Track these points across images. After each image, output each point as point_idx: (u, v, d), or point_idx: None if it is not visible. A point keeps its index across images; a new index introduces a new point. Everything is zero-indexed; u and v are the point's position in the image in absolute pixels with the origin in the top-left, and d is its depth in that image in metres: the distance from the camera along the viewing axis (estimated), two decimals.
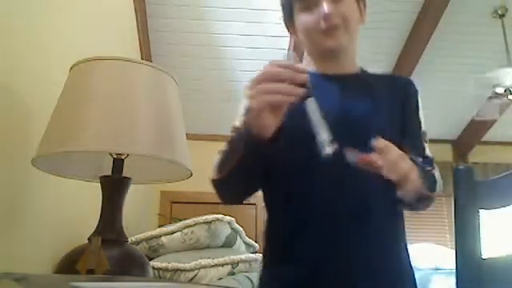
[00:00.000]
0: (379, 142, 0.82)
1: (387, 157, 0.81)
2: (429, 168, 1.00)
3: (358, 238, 0.93)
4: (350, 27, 1.02)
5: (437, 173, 1.03)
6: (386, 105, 1.03)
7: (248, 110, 0.80)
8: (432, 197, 0.98)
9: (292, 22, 1.08)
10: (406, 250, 1.02)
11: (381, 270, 0.94)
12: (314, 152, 0.78)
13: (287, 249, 0.97)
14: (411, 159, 0.88)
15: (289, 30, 1.12)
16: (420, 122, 1.09)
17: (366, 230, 0.94)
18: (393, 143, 0.89)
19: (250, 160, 0.86)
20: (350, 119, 0.97)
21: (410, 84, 1.11)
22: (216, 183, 0.96)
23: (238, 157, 0.86)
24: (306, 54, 1.11)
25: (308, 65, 1.09)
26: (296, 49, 3.37)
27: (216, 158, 0.95)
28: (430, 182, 0.97)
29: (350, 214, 0.93)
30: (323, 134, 0.74)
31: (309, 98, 0.76)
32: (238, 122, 0.99)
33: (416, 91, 1.11)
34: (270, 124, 0.77)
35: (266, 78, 0.76)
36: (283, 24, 1.13)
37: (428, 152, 1.05)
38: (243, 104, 1.00)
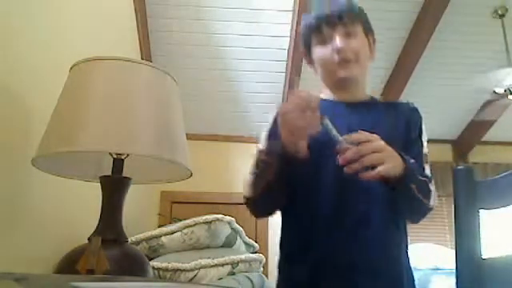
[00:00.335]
0: (359, 134, 0.93)
1: (371, 145, 0.92)
2: (424, 178, 1.06)
3: (361, 242, 1.04)
4: (360, 60, 1.14)
5: (432, 187, 1.08)
6: (391, 130, 1.13)
7: (280, 136, 0.95)
8: (426, 204, 1.04)
9: (310, 53, 1.22)
10: (407, 253, 1.12)
11: (382, 272, 1.03)
12: (320, 167, 1.01)
13: (297, 252, 1.09)
14: (403, 157, 0.98)
15: (307, 60, 1.26)
16: (422, 145, 1.17)
17: (369, 234, 1.04)
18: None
19: (279, 182, 1.00)
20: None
21: (415, 111, 1.21)
22: (248, 202, 1.08)
23: (267, 180, 1.00)
24: (322, 83, 1.24)
25: (324, 93, 1.22)
26: (296, 50, 3.38)
27: (246, 178, 1.06)
28: (423, 186, 1.03)
29: (353, 221, 1.05)
30: (342, 142, 0.90)
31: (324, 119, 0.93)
32: (262, 146, 1.11)
33: (420, 117, 1.20)
34: (303, 145, 0.93)
35: (291, 108, 0.91)
36: (303, 57, 1.27)
37: (428, 172, 1.12)
38: (267, 129, 1.15)
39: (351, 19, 1.14)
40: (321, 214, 1.06)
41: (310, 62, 1.23)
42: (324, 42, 1.15)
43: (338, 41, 1.12)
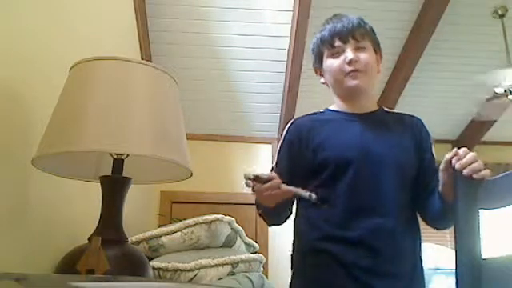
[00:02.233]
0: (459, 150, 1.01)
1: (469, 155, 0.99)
2: None
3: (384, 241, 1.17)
4: (369, 72, 1.25)
5: None
6: (402, 140, 1.26)
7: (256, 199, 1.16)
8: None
9: (320, 65, 1.32)
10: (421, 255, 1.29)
11: (400, 273, 1.17)
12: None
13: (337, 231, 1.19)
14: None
15: (316, 72, 1.36)
16: (434, 160, 1.27)
17: (390, 234, 1.17)
18: (409, 176, 1.22)
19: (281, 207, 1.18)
20: (371, 152, 1.20)
21: (423, 125, 1.32)
22: (260, 215, 1.26)
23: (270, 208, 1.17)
24: (333, 95, 1.34)
25: (335, 103, 1.33)
26: (296, 49, 3.37)
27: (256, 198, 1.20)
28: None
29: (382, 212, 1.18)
30: (303, 192, 1.08)
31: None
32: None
33: (429, 135, 1.31)
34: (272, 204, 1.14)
35: (261, 192, 1.08)
36: (313, 67, 1.37)
37: None
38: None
39: (362, 35, 1.25)
40: (360, 199, 1.18)
41: (321, 73, 1.33)
42: (336, 54, 1.25)
43: (349, 52, 1.23)
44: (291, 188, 1.07)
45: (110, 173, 1.28)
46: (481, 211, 0.90)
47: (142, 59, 3.20)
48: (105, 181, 1.28)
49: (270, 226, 1.33)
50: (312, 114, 1.35)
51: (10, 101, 1.25)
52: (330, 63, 1.27)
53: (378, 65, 1.31)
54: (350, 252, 1.15)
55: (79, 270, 1.12)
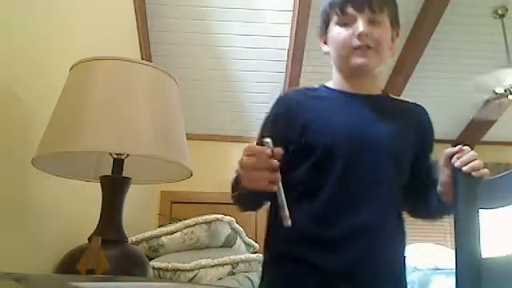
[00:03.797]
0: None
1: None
2: None
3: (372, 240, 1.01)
4: (380, 51, 1.06)
5: None
6: (402, 130, 1.09)
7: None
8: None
9: (326, 31, 1.12)
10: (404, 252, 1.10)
11: (387, 271, 1.02)
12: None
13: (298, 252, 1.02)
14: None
15: (321, 39, 1.16)
16: (432, 159, 1.16)
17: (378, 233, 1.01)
18: (404, 171, 1.07)
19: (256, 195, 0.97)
20: (366, 140, 1.04)
21: (426, 114, 1.18)
22: (233, 199, 1.08)
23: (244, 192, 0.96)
24: (333, 68, 1.15)
25: (333, 79, 1.15)
26: (296, 49, 3.38)
27: (231, 178, 1.05)
28: None
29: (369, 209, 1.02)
30: (284, 212, 0.86)
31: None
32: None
33: (432, 127, 1.18)
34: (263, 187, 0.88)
35: (247, 166, 0.88)
36: (319, 33, 1.17)
37: None
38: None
39: (380, 6, 1.06)
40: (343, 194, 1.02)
41: (325, 40, 1.14)
42: (345, 23, 1.06)
43: (361, 24, 1.03)
44: (280, 191, 0.87)
45: (110, 173, 1.28)
46: (481, 211, 0.90)
47: (142, 59, 3.20)
48: (105, 181, 1.28)
49: (243, 211, 1.12)
50: (305, 88, 1.16)
51: (10, 101, 1.25)
52: (337, 33, 1.07)
53: (393, 43, 1.12)
54: (329, 257, 0.97)
55: (79, 270, 1.12)
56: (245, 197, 1.00)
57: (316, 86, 1.16)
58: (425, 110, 1.19)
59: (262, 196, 1.03)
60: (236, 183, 1.00)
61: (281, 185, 0.87)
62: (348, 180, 1.01)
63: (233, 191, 1.04)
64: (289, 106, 1.09)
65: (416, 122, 1.14)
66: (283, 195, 0.87)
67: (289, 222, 0.85)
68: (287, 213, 0.85)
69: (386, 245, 1.01)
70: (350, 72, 1.10)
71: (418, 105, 1.19)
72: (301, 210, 1.00)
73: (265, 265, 1.10)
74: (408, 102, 1.20)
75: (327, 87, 1.15)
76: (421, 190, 1.10)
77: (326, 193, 1.01)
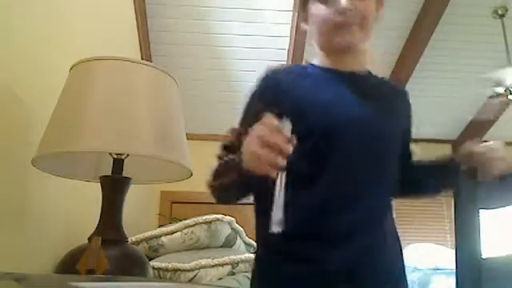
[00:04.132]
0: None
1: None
2: None
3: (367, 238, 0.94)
4: (366, 25, 0.98)
5: None
6: (394, 110, 1.05)
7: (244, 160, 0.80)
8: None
9: (306, 7, 1.03)
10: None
11: (387, 271, 0.97)
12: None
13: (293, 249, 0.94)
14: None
15: (302, 17, 1.07)
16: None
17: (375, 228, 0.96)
18: (397, 146, 1.02)
19: (245, 183, 0.90)
20: (363, 119, 0.96)
21: (408, 96, 1.13)
22: (211, 188, 0.95)
23: (232, 178, 0.88)
24: (315, 46, 1.06)
25: (317, 58, 1.06)
26: (296, 49, 3.38)
27: (213, 164, 0.95)
28: None
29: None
30: (278, 213, 0.73)
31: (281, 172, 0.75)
32: (231, 132, 0.98)
33: (411, 106, 1.14)
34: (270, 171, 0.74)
35: (257, 139, 0.74)
36: (299, 11, 1.09)
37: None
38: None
39: None
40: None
41: (305, 18, 1.05)
42: None
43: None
44: (282, 184, 0.75)
45: (110, 173, 1.28)
46: (481, 211, 0.90)
47: (142, 59, 3.20)
48: (105, 181, 1.28)
49: (219, 202, 0.98)
50: (292, 65, 1.11)
51: (10, 101, 1.25)
52: (317, 9, 0.98)
53: (379, 12, 1.02)
54: (329, 256, 0.89)
55: (79, 270, 1.12)
56: (230, 185, 0.89)
57: (304, 64, 1.08)
58: (405, 90, 1.14)
59: (251, 187, 0.92)
60: (219, 171, 0.92)
61: (284, 176, 0.75)
62: (349, 168, 0.92)
63: (213, 180, 0.93)
64: (278, 82, 0.99)
65: (402, 102, 1.10)
66: (283, 191, 0.74)
67: (279, 228, 0.72)
68: (281, 215, 0.73)
69: (386, 244, 0.95)
70: (331, 50, 1.02)
71: (397, 83, 1.15)
72: (297, 202, 0.88)
73: (258, 261, 1.00)
74: (388, 80, 1.14)
75: (314, 65, 1.06)
76: (405, 167, 1.05)
77: (325, 183, 0.91)
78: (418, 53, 3.53)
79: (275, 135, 0.72)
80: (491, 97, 3.24)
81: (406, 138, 1.10)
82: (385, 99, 1.03)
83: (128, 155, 1.30)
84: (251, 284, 1.02)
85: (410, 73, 3.68)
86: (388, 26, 3.31)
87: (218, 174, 0.93)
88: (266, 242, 0.98)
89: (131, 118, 1.18)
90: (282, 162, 0.72)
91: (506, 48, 3.29)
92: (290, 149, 0.72)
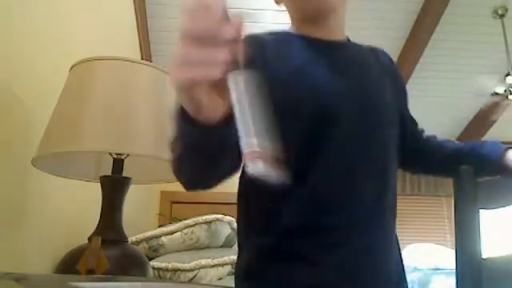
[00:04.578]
0: None
1: None
2: None
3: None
4: None
5: None
6: (383, 78, 0.93)
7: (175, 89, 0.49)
8: None
9: None
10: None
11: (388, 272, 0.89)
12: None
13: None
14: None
15: None
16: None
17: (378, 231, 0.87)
18: (394, 117, 0.90)
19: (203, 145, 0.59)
20: (358, 90, 0.85)
21: (392, 60, 1.03)
22: (172, 155, 0.68)
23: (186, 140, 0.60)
24: (290, 17, 0.95)
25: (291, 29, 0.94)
26: None
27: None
28: None
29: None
30: (251, 136, 0.45)
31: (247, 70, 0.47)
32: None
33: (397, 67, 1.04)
34: (212, 106, 0.50)
35: (191, 36, 0.45)
36: None
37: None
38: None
39: None
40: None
41: None
42: None
43: None
44: (240, 90, 0.46)
45: (110, 173, 1.28)
46: (481, 211, 0.90)
47: (142, 59, 3.20)
48: (105, 181, 1.28)
49: (188, 187, 0.73)
50: (274, 31, 0.93)
51: (10, 101, 1.25)
52: None
53: None
54: (329, 254, 0.80)
55: (79, 270, 1.12)
56: (184, 135, 0.58)
57: (284, 30, 0.95)
58: (386, 53, 1.02)
59: (214, 134, 0.55)
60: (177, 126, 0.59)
61: (242, 80, 0.46)
62: (346, 161, 0.80)
63: (172, 152, 0.67)
64: (262, 46, 0.84)
65: (390, 70, 0.98)
66: (247, 103, 0.46)
67: (259, 166, 0.44)
68: (254, 141, 0.45)
69: (386, 244, 0.88)
70: (309, 17, 0.90)
71: (384, 51, 1.01)
72: (288, 201, 0.78)
73: (249, 263, 0.85)
74: (375, 48, 1.00)
75: (295, 33, 0.92)
76: (418, 146, 1.00)
77: (323, 170, 0.79)
78: (418, 53, 3.53)
79: (208, 22, 0.46)
80: (490, 97, 3.24)
81: (407, 114, 1.01)
82: (370, 66, 0.92)
83: (128, 155, 1.30)
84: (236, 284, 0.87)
85: (410, 73, 3.69)
86: (388, 26, 3.31)
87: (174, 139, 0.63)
88: (257, 243, 0.84)
89: (131, 118, 1.18)
90: (225, 55, 0.44)
91: (506, 48, 3.29)
92: (231, 33, 0.46)
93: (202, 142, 0.57)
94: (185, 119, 0.53)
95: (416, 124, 1.05)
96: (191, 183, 0.73)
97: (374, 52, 0.99)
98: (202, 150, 0.60)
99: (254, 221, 0.86)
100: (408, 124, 1.00)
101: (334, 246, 0.81)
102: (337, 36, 0.92)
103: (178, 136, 0.60)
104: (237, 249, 0.90)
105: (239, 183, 0.90)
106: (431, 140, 1.05)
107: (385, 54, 1.01)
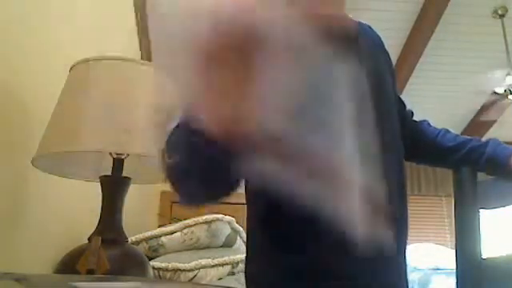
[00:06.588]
0: None
1: None
2: None
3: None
4: None
5: None
6: (383, 63, 0.88)
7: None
8: None
9: None
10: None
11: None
12: None
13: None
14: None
15: None
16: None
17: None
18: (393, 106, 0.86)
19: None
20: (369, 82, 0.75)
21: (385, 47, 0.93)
22: (171, 173, 0.58)
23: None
24: None
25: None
26: None
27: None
28: None
29: None
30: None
31: None
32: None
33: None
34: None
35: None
36: None
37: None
38: None
39: None
40: None
41: None
42: None
43: None
44: None
45: (110, 173, 1.28)
46: (481, 211, 0.90)
47: (142, 59, 3.20)
48: (105, 181, 1.28)
49: (187, 201, 0.63)
50: None
51: (10, 101, 1.25)
52: None
53: None
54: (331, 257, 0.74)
55: (79, 270, 1.12)
56: (196, 147, 0.49)
57: None
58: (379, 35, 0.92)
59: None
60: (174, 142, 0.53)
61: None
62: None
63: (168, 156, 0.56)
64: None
65: (384, 50, 0.91)
66: None
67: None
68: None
69: (399, 256, 0.81)
70: None
71: (370, 27, 0.92)
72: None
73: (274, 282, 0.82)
74: (362, 23, 0.90)
75: None
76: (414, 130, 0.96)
77: None
78: (418, 53, 3.53)
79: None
80: (490, 97, 3.24)
81: (396, 89, 0.92)
82: (377, 58, 0.86)
83: (128, 155, 1.30)
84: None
85: (410, 73, 3.69)
86: (388, 26, 3.31)
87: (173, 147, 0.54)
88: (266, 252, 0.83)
89: (131, 118, 1.18)
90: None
91: (506, 48, 3.29)
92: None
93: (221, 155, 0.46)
94: (200, 134, 0.43)
95: (405, 106, 1.00)
96: (191, 196, 0.63)
97: (369, 32, 0.91)
98: (219, 162, 0.49)
99: (284, 237, 0.80)
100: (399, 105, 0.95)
101: (346, 256, 0.71)
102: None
103: (182, 146, 0.53)
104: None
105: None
106: (425, 127, 1.00)
107: (377, 35, 0.92)
